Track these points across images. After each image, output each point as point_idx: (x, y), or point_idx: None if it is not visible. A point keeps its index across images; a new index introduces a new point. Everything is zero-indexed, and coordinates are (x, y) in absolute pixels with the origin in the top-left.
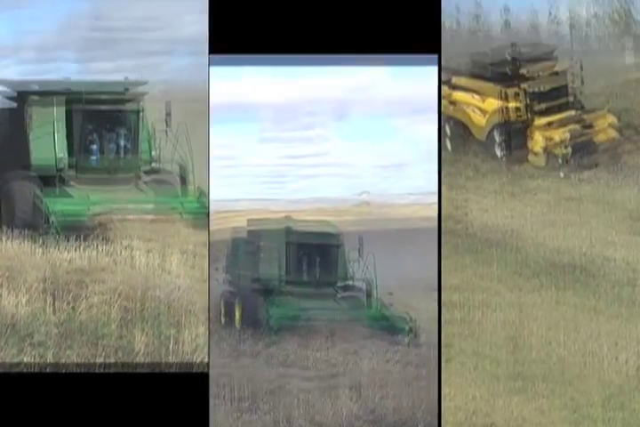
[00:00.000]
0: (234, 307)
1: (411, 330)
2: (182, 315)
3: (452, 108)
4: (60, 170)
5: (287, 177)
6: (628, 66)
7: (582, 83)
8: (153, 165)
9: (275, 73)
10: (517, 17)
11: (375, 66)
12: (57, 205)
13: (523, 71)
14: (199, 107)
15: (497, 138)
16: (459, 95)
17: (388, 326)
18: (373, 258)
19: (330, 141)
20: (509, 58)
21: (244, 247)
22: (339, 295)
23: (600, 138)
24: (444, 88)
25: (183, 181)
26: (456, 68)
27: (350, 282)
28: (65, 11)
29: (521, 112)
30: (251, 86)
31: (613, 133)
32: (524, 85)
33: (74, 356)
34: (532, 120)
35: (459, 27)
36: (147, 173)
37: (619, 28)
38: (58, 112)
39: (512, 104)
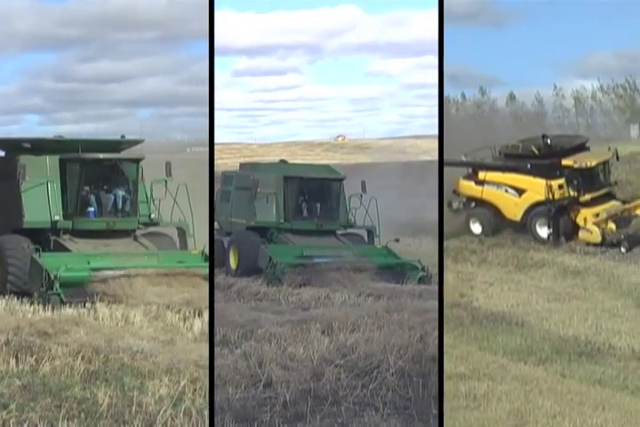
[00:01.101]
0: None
1: (422, 279)
2: None
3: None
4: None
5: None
6: (633, 139)
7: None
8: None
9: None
10: (522, 90)
11: None
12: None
13: (567, 162)
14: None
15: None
16: (489, 175)
17: (399, 274)
18: (376, 203)
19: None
20: (545, 150)
21: (240, 193)
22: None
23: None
24: (471, 183)
25: (183, 243)
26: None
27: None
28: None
29: (564, 191)
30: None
31: None
32: (569, 177)
33: None
34: (577, 199)
35: (464, 100)
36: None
37: (624, 102)
38: (52, 172)
39: (556, 191)
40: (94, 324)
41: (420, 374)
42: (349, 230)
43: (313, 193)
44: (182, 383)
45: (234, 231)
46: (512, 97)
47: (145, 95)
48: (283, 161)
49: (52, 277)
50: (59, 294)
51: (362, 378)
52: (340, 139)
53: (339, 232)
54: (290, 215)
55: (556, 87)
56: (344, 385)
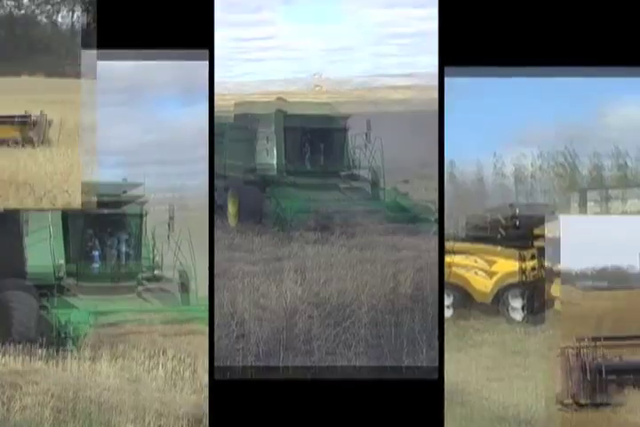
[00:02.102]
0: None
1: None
2: None
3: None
4: (60, 278)
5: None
6: (573, 206)
7: None
8: (156, 272)
9: None
10: (462, 169)
11: None
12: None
13: (537, 232)
14: None
15: (510, 299)
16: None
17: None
18: (381, 143)
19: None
20: (517, 221)
21: (233, 134)
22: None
23: None
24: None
25: (185, 288)
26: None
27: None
28: None
29: (537, 271)
30: None
31: None
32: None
33: None
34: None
35: None
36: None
37: (564, 182)
38: (54, 216)
39: (529, 264)
40: (62, 375)
41: (393, 312)
42: (353, 171)
43: (315, 134)
44: None
45: (230, 184)
46: (452, 177)
47: None
48: (280, 99)
49: (64, 334)
50: (71, 351)
51: (335, 317)
52: (315, 77)
53: (342, 173)
54: (291, 157)
55: (495, 167)
56: (317, 324)
